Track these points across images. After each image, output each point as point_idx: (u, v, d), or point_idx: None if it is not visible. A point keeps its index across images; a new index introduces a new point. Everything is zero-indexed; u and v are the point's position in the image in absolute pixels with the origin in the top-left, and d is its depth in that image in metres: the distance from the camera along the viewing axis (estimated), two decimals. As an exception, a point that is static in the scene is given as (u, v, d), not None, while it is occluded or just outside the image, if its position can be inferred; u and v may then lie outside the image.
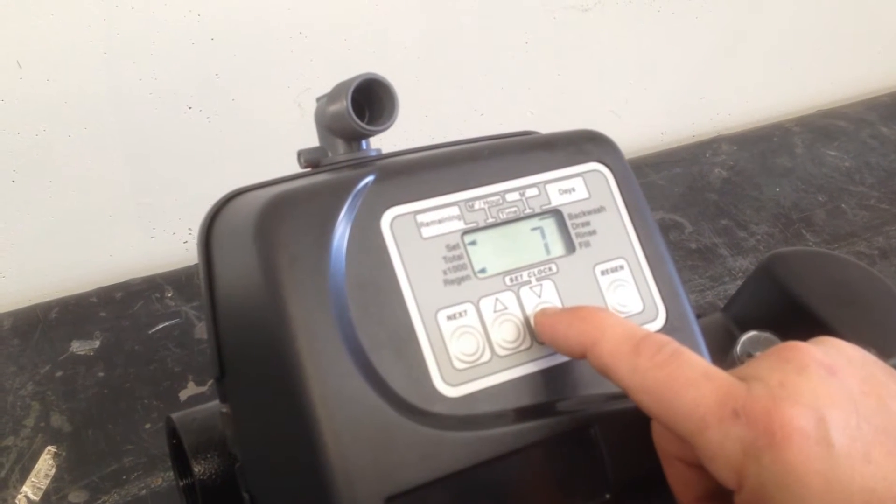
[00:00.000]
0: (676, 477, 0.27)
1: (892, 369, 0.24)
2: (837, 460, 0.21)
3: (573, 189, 0.32)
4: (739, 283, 0.65)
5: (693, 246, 0.72)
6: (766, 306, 0.50)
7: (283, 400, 0.27)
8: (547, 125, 0.35)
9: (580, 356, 0.27)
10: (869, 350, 0.46)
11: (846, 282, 0.49)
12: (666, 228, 0.74)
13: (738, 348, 0.44)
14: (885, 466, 0.21)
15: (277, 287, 0.26)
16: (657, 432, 0.28)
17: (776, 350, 0.24)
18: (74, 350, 0.58)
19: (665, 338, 0.25)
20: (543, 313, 0.29)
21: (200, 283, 0.33)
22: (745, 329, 0.45)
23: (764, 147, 0.86)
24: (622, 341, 0.25)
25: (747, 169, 0.83)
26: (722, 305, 0.57)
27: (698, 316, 0.32)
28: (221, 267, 0.32)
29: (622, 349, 0.25)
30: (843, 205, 0.78)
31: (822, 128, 0.90)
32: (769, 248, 0.72)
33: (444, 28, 0.70)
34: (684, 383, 0.23)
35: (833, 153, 0.86)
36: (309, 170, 0.35)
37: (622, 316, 0.30)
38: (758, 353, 0.43)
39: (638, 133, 0.88)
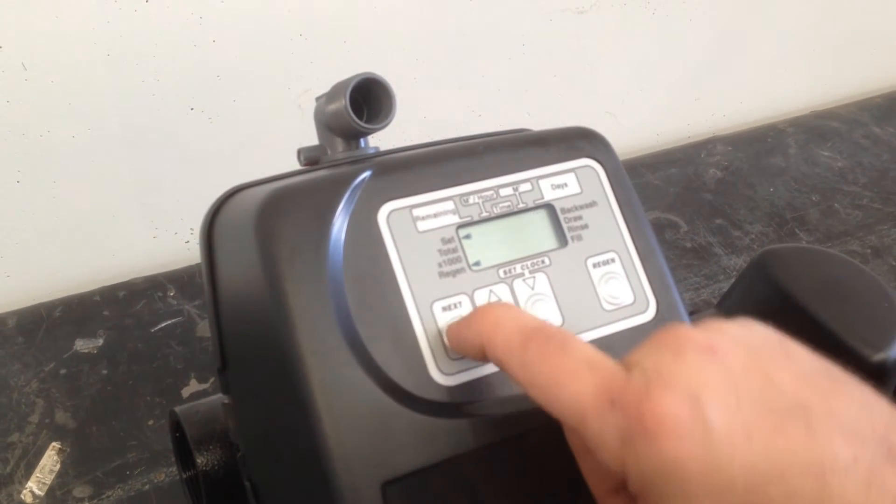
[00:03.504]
0: (588, 469, 0.27)
1: (790, 344, 0.23)
2: (715, 442, 0.20)
3: (565, 184, 0.32)
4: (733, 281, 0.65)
5: (688, 245, 0.73)
6: (759, 302, 0.50)
7: (283, 389, 0.28)
8: (543, 126, 0.36)
9: (483, 358, 0.26)
10: (856, 341, 0.46)
11: (837, 278, 0.49)
12: (661, 228, 0.74)
13: (730, 343, 0.45)
14: (769, 443, 0.20)
15: (277, 279, 0.27)
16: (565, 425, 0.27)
17: (657, 334, 0.23)
18: (78, 348, 0.58)
19: (555, 329, 0.24)
20: (450, 325, 0.28)
21: (203, 276, 0.34)
22: (737, 324, 0.46)
23: (758, 147, 0.87)
24: (512, 335, 0.25)
25: (742, 169, 0.84)
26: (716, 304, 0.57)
27: (692, 312, 0.33)
28: (223, 260, 0.33)
29: (512, 344, 0.24)
30: (836, 204, 0.79)
31: (815, 128, 0.91)
32: (763, 247, 0.72)
33: (441, 30, 0.71)
34: (568, 375, 0.23)
35: (826, 153, 0.87)
36: (308, 167, 0.36)
37: (615, 305, 0.31)
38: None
39: (634, 134, 0.89)
